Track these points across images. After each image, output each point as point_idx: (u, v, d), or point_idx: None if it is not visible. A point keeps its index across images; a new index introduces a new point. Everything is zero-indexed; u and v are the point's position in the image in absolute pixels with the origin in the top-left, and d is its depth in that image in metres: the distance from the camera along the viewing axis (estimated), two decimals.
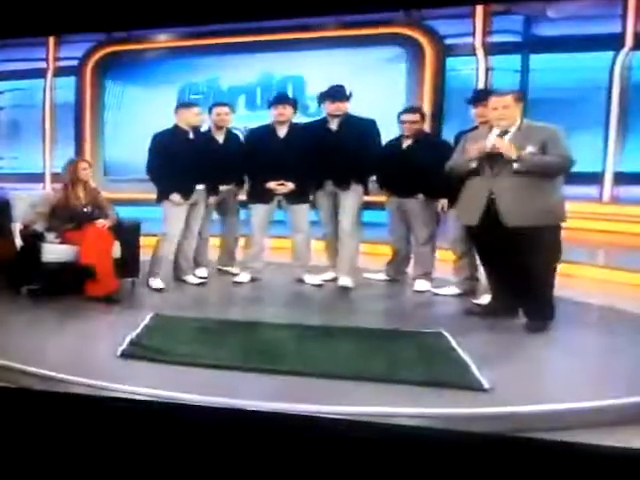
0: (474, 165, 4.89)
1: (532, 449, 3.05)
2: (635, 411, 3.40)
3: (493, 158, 4.79)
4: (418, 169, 5.87)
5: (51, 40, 9.95)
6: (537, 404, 3.48)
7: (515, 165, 4.62)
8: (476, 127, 5.56)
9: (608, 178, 7.69)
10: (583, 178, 7.42)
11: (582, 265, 6.40)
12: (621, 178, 7.71)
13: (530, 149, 4.66)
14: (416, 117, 6.18)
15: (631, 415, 3.41)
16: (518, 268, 4.77)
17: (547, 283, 4.77)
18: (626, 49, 7.82)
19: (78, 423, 3.37)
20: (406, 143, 6.14)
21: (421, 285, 6.15)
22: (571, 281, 5.90)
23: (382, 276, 6.52)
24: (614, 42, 7.82)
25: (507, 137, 4.79)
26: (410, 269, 6.42)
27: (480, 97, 5.63)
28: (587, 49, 7.88)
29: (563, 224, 4.79)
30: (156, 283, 6.14)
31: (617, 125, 7.80)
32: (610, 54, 7.90)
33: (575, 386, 3.75)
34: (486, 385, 3.70)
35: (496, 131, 4.85)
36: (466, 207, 5.03)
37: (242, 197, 6.64)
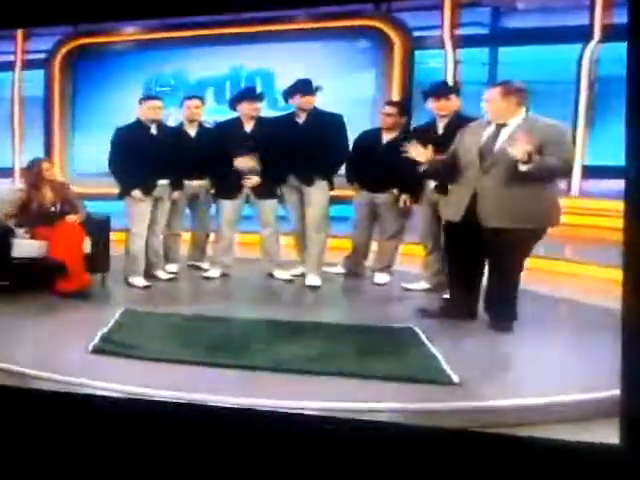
0: (425, 168, 4.95)
1: (503, 444, 3.13)
2: (605, 406, 3.39)
3: (483, 154, 4.69)
4: (399, 164, 5.79)
5: (19, 33, 9.81)
6: (507, 399, 3.54)
7: (522, 167, 4.39)
8: (432, 122, 5.61)
9: (577, 171, 7.65)
10: None
11: (550, 259, 6.40)
12: (590, 171, 7.71)
13: (526, 147, 4.38)
14: (399, 110, 6.14)
15: (601, 410, 3.42)
16: (491, 269, 4.76)
17: (516, 283, 4.72)
18: (594, 42, 7.81)
19: (49, 419, 3.42)
20: (387, 137, 6.08)
21: (381, 278, 6.20)
22: (539, 275, 5.92)
23: (339, 269, 6.50)
24: (582, 34, 7.82)
25: (504, 131, 4.66)
26: (369, 262, 6.42)
27: (440, 91, 5.63)
28: (555, 41, 7.85)
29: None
30: (138, 281, 6.14)
31: (585, 118, 7.80)
32: (578, 46, 7.89)
33: (544, 380, 3.80)
34: (456, 379, 3.76)
35: (492, 125, 4.73)
36: (450, 202, 4.95)
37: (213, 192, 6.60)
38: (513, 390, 3.67)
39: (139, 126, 6.22)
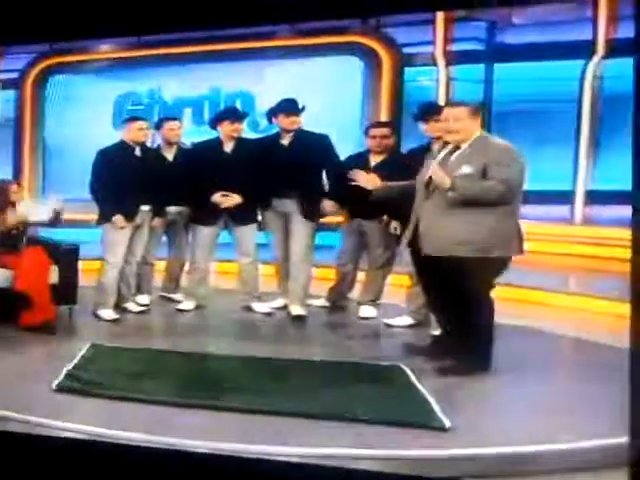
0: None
1: None
2: (613, 454, 3.17)
3: (431, 180, 4.44)
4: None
5: None
6: (504, 446, 3.31)
7: (449, 194, 4.24)
8: (429, 144, 5.30)
9: (579, 197, 7.52)
10: (553, 197, 7.34)
11: (552, 292, 6.18)
12: (594, 197, 7.52)
13: (466, 170, 4.25)
14: (387, 131, 5.85)
15: (608, 459, 3.20)
16: (446, 302, 4.52)
17: (475, 325, 4.34)
18: (597, 57, 7.68)
19: (7, 462, 3.33)
20: (375, 160, 5.76)
21: (367, 311, 5.90)
22: (539, 309, 5.75)
23: (323, 302, 6.21)
24: (584, 50, 7.68)
25: (456, 154, 4.40)
26: (354, 295, 6.17)
27: (430, 111, 5.34)
28: (555, 57, 7.70)
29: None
30: (107, 314, 5.85)
31: (588, 139, 7.64)
32: (580, 63, 7.76)
33: (545, 426, 3.54)
34: (447, 424, 3.54)
35: (444, 152, 4.49)
36: (407, 229, 4.75)
37: None
38: (511, 436, 3.42)
39: (123, 148, 5.98)
